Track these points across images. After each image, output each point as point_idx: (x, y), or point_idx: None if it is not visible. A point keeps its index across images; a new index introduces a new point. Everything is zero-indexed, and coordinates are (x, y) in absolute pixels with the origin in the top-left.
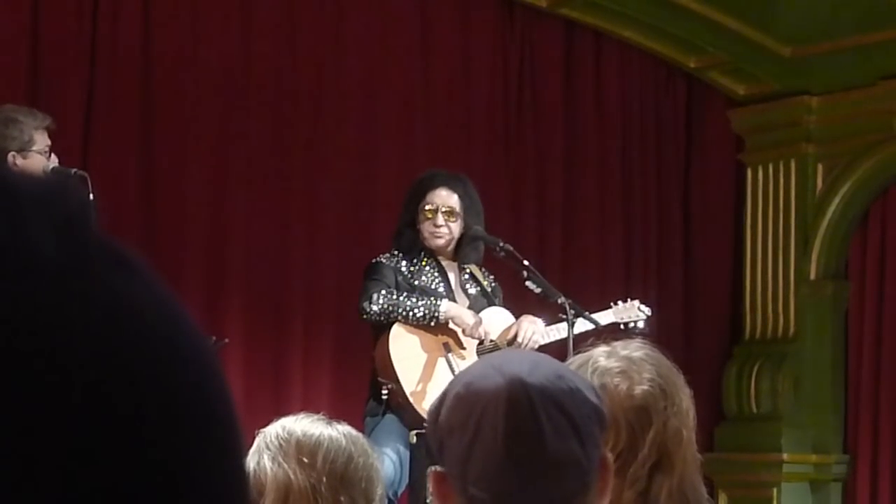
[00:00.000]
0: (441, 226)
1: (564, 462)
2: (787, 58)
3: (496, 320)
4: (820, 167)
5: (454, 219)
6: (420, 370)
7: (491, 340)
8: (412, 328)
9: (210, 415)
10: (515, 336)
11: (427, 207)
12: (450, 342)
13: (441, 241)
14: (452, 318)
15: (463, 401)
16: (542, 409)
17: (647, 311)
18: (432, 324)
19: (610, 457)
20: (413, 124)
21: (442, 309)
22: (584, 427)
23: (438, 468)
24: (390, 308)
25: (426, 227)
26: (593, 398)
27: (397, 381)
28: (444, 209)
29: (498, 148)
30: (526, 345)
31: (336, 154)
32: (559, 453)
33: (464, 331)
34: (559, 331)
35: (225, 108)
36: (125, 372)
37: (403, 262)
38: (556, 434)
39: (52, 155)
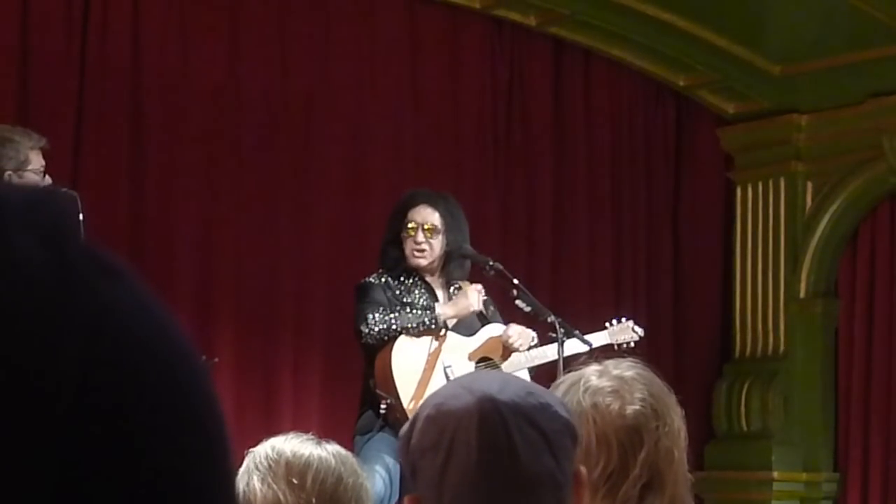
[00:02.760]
0: (421, 242)
1: (539, 477)
2: (776, 76)
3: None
4: (809, 185)
5: (435, 236)
6: (420, 387)
7: (489, 359)
8: (416, 344)
9: (198, 417)
10: (507, 341)
11: (409, 225)
12: (450, 361)
13: (422, 261)
14: (454, 316)
15: (434, 422)
16: (514, 425)
17: (641, 332)
18: (437, 329)
19: (583, 471)
20: (402, 142)
21: (438, 312)
22: (556, 441)
23: (413, 494)
24: (388, 326)
25: (408, 245)
26: (564, 413)
27: (397, 395)
28: (424, 226)
29: (487, 166)
30: (520, 343)
31: (325, 171)
32: (533, 469)
33: (469, 309)
34: (552, 350)
35: (214, 125)
36: (111, 377)
37: (391, 281)
38: (529, 449)
39: (47, 176)
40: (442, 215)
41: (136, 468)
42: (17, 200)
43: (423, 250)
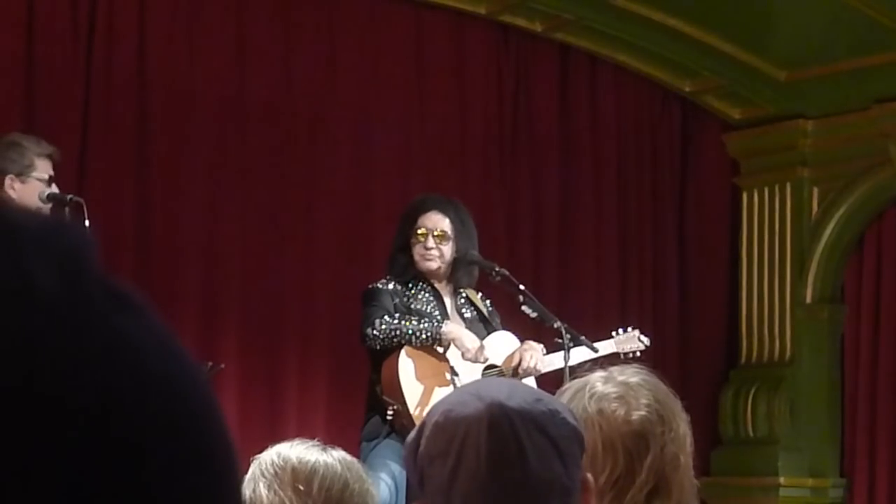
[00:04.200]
0: (431, 248)
1: (548, 483)
2: (782, 82)
3: (501, 345)
4: (815, 191)
5: (445, 242)
6: (427, 394)
7: (495, 366)
8: (423, 351)
9: (206, 446)
10: (519, 363)
11: (418, 231)
12: (457, 367)
13: (432, 264)
14: (454, 340)
15: (443, 428)
16: (524, 430)
17: (647, 341)
18: (435, 345)
19: (590, 478)
20: (408, 149)
21: (443, 330)
22: (565, 448)
23: (421, 501)
24: (392, 332)
25: (417, 251)
26: (571, 420)
27: (403, 402)
28: (435, 232)
29: (493, 172)
30: (528, 373)
31: (331, 179)
32: (542, 475)
33: (463, 354)
34: (560, 359)
35: (220, 134)
36: (122, 404)
37: (399, 287)
38: (538, 455)
39: (54, 184)
40: (452, 222)
41: (147, 492)
42: (35, 229)
43: (432, 256)
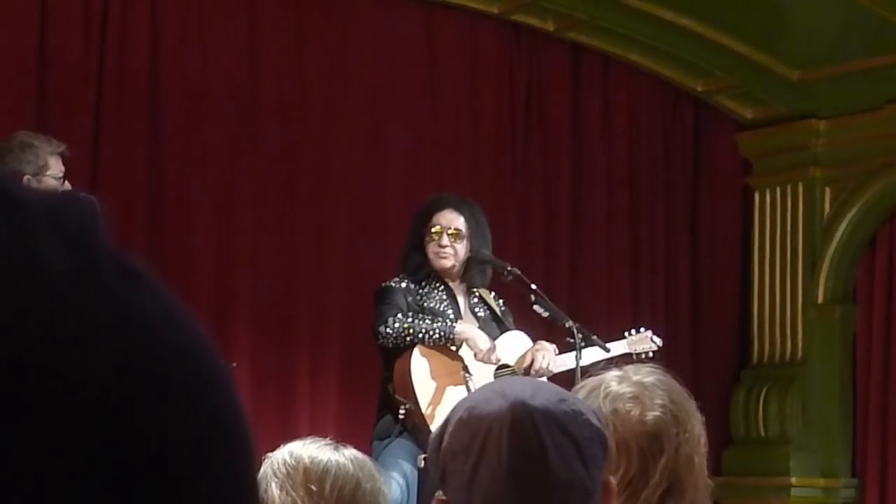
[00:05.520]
0: (446, 246)
1: (568, 483)
2: (794, 81)
3: (514, 345)
4: (827, 191)
5: (459, 240)
6: (439, 393)
7: (508, 366)
8: (435, 350)
9: (220, 422)
10: (531, 363)
11: (433, 229)
12: (469, 366)
13: (446, 262)
14: (466, 340)
15: (466, 425)
16: (546, 430)
17: (659, 341)
18: (447, 345)
19: (613, 481)
20: (420, 148)
21: (457, 330)
22: (587, 449)
23: (441, 496)
24: (405, 331)
25: (431, 248)
26: (595, 421)
27: (416, 401)
28: (449, 231)
29: (505, 172)
30: (540, 374)
31: (343, 177)
32: (563, 474)
33: (476, 354)
34: (573, 359)
35: (232, 132)
36: (135, 380)
37: (412, 286)
38: (559, 455)
39: (67, 182)
40: (467, 220)
41: (158, 473)
42: (42, 204)
43: (447, 254)
